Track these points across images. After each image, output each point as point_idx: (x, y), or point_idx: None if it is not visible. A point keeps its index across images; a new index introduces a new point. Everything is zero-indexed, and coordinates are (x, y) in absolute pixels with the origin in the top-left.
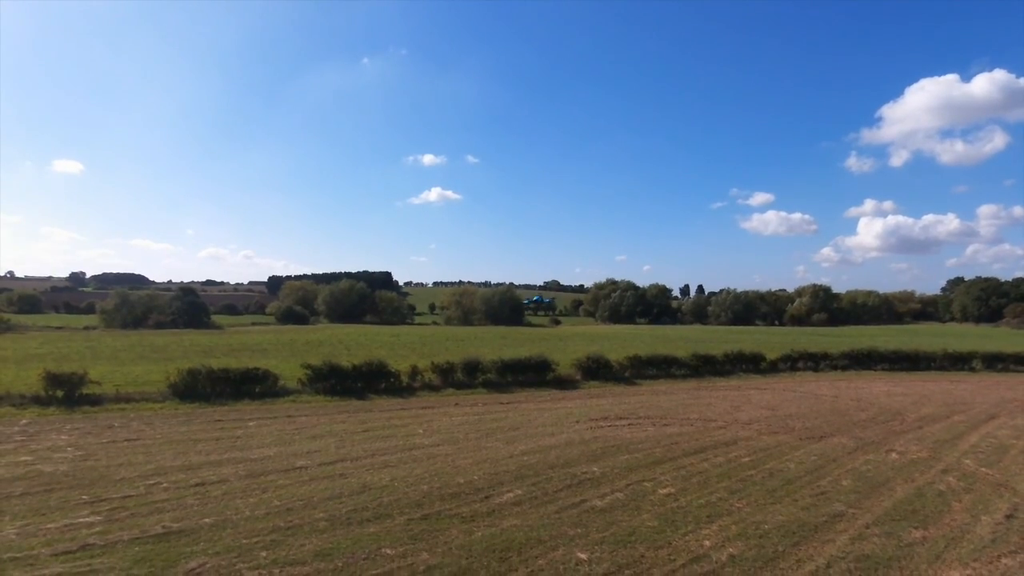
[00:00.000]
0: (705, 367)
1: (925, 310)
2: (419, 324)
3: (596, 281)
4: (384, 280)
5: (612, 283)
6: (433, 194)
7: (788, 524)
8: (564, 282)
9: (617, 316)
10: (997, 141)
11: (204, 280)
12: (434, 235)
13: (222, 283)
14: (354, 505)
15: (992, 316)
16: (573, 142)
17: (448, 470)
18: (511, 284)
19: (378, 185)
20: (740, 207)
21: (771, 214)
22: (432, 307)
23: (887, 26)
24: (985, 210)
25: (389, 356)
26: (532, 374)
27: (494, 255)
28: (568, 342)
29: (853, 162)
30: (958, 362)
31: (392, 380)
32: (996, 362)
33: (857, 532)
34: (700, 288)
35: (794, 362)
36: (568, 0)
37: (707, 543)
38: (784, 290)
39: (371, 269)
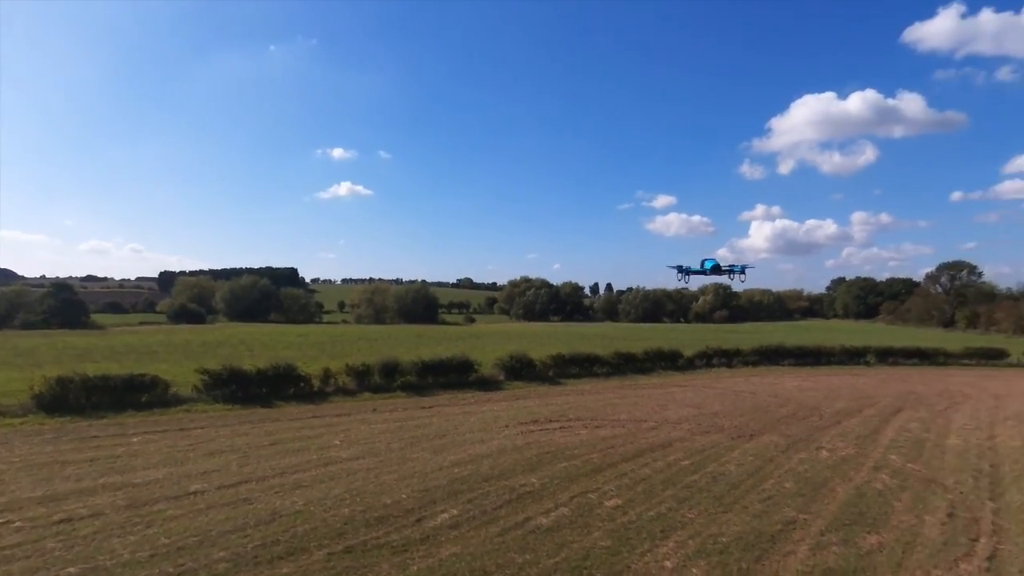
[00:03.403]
0: (627, 365)
1: (812, 307)
2: (328, 323)
3: (509, 279)
4: (290, 277)
5: (526, 281)
6: (343, 188)
7: (745, 536)
8: (477, 280)
9: (532, 314)
10: (868, 154)
11: (84, 276)
12: (343, 231)
13: (105, 279)
14: (262, 538)
15: (869, 313)
16: (486, 140)
17: (372, 488)
18: (424, 282)
19: (284, 178)
20: (645, 209)
21: (673, 216)
22: (341, 305)
23: (777, 43)
24: (858, 216)
25: (297, 358)
26: (454, 375)
27: (406, 252)
28: (486, 341)
29: (746, 169)
30: (855, 356)
31: (302, 385)
32: (887, 356)
33: (815, 541)
34: (609, 286)
35: (709, 359)
36: None
37: (668, 564)
38: (688, 288)
39: (275, 265)
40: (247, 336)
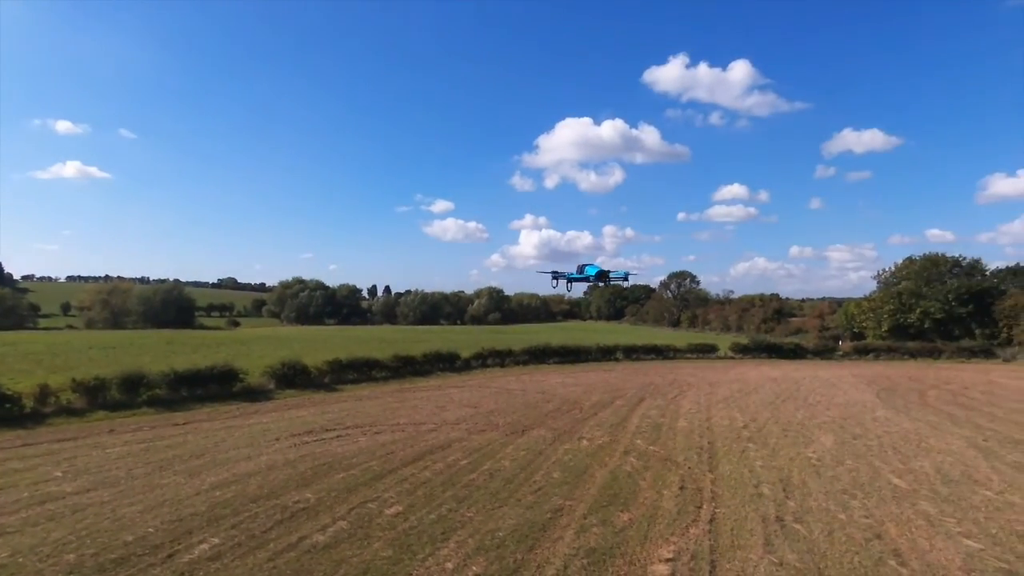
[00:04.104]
0: (406, 368)
1: (572, 310)
2: (47, 328)
3: (280, 279)
4: None
5: (300, 282)
6: (69, 169)
7: (519, 527)
8: (243, 280)
9: (305, 317)
10: (617, 175)
11: None
12: (69, 219)
13: None
14: None
15: (617, 315)
16: (256, 129)
17: (108, 526)
18: (177, 281)
19: None
20: (424, 212)
21: (450, 221)
22: (67, 307)
23: (545, 67)
24: (608, 229)
25: (2, 373)
26: (215, 386)
27: (154, 247)
28: (253, 346)
29: (517, 180)
30: (607, 354)
31: (8, 406)
32: (632, 353)
33: (579, 525)
34: (387, 288)
35: (484, 359)
36: None
37: (449, 565)
38: (463, 292)
39: None
40: None
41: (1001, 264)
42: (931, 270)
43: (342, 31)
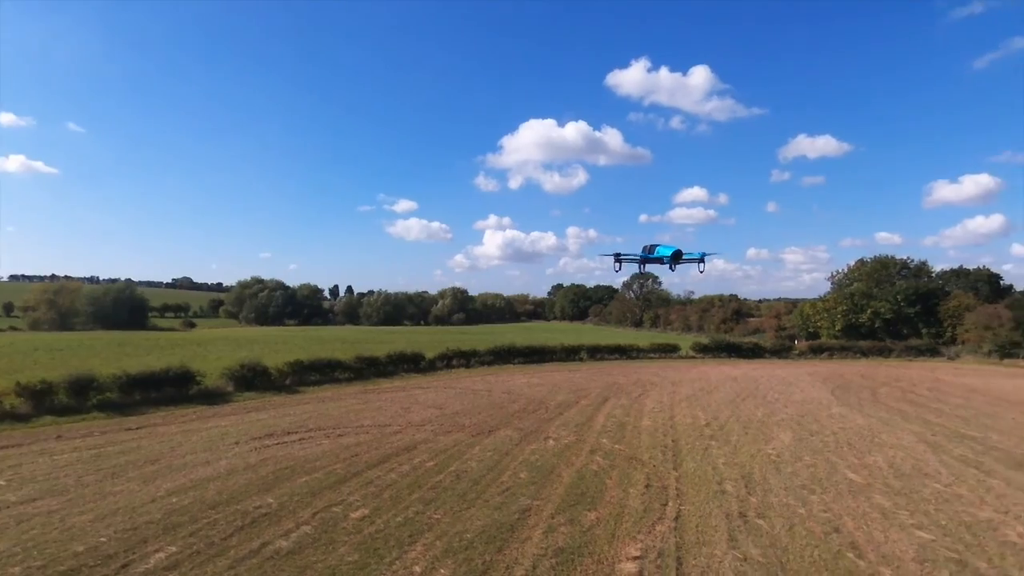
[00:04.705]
0: (369, 369)
1: (536, 310)
2: None
3: (239, 279)
4: None
5: (259, 281)
6: (12, 163)
7: (488, 529)
8: (199, 279)
9: (265, 317)
10: (581, 177)
11: None
12: (12, 215)
13: None
14: None
15: (581, 315)
16: (211, 124)
17: (56, 536)
18: (129, 280)
19: None
20: (387, 212)
21: (414, 221)
22: (9, 308)
23: (510, 68)
24: (572, 231)
25: None
26: (170, 389)
27: (105, 245)
28: (210, 348)
29: (481, 181)
30: (571, 354)
31: None
32: (596, 353)
33: (547, 524)
34: (350, 289)
35: (449, 360)
36: None
37: (417, 568)
38: (427, 292)
39: None
40: None
41: (946, 267)
42: (881, 272)
43: (304, 26)
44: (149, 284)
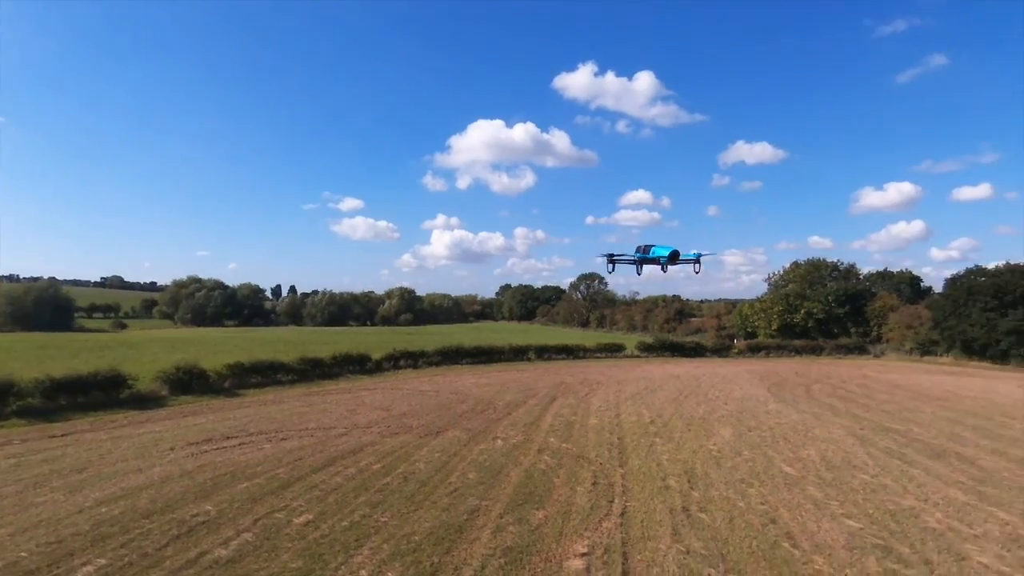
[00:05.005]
0: (313, 371)
1: (484, 310)
2: None
3: (174, 278)
4: None
5: (196, 281)
6: None
7: (436, 530)
8: (130, 278)
9: (202, 318)
10: (529, 178)
11: None
12: None
13: None
14: None
15: (528, 315)
16: (144, 118)
17: None
18: (53, 279)
19: None
20: (331, 210)
21: (360, 220)
22: None
23: (458, 68)
24: (519, 231)
25: None
26: (99, 393)
27: (25, 242)
28: (143, 350)
29: (429, 180)
30: (519, 354)
31: None
32: (544, 353)
33: (495, 524)
34: (292, 288)
35: (396, 361)
36: None
37: (364, 572)
38: (374, 292)
39: None
40: None
41: (872, 269)
42: (814, 274)
43: (247, 24)
44: (75, 283)
